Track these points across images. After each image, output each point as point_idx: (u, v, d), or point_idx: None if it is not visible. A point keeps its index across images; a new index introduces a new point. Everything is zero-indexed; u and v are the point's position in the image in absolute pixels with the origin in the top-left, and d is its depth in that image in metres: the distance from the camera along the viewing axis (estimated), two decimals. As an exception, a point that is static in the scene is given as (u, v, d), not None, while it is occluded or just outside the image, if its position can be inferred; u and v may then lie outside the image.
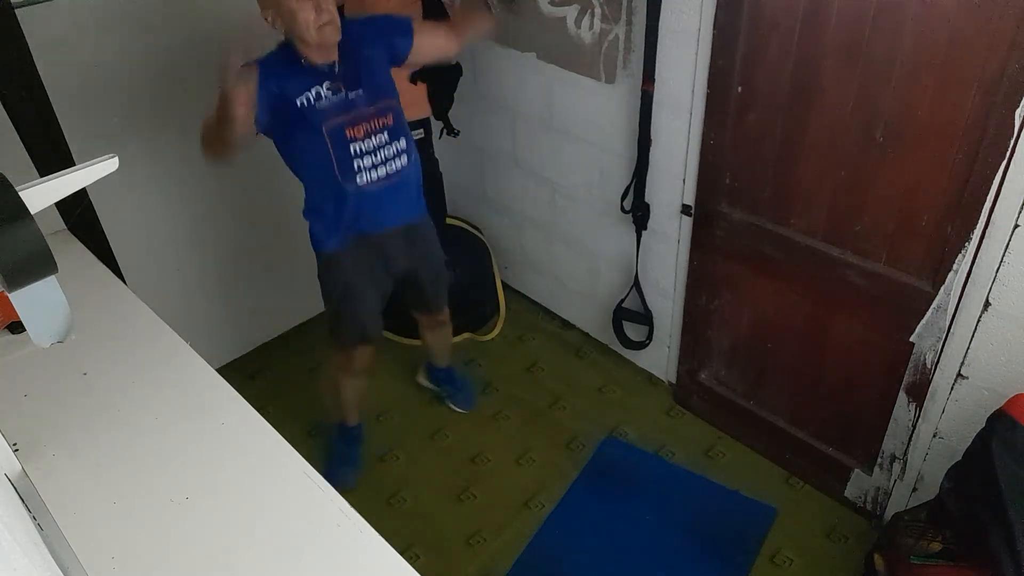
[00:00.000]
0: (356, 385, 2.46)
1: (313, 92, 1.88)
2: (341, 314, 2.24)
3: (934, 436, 2.06)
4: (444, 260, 2.36)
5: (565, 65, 2.50)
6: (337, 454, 2.55)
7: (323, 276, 2.18)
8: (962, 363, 1.91)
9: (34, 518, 1.03)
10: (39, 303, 0.78)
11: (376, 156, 1.98)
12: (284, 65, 1.87)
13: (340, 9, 1.88)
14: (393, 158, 2.02)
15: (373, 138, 1.97)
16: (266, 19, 1.82)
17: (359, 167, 1.96)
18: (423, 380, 2.83)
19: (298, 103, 1.87)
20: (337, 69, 1.90)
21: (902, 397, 2.08)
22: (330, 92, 1.89)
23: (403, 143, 2.04)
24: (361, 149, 1.95)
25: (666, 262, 2.54)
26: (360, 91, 1.93)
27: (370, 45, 1.98)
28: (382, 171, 2.00)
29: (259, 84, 1.80)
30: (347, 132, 1.92)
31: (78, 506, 1.23)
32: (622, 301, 2.73)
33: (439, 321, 2.53)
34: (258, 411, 1.42)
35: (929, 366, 1.98)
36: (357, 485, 2.50)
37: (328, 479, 2.48)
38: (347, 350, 2.32)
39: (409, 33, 2.02)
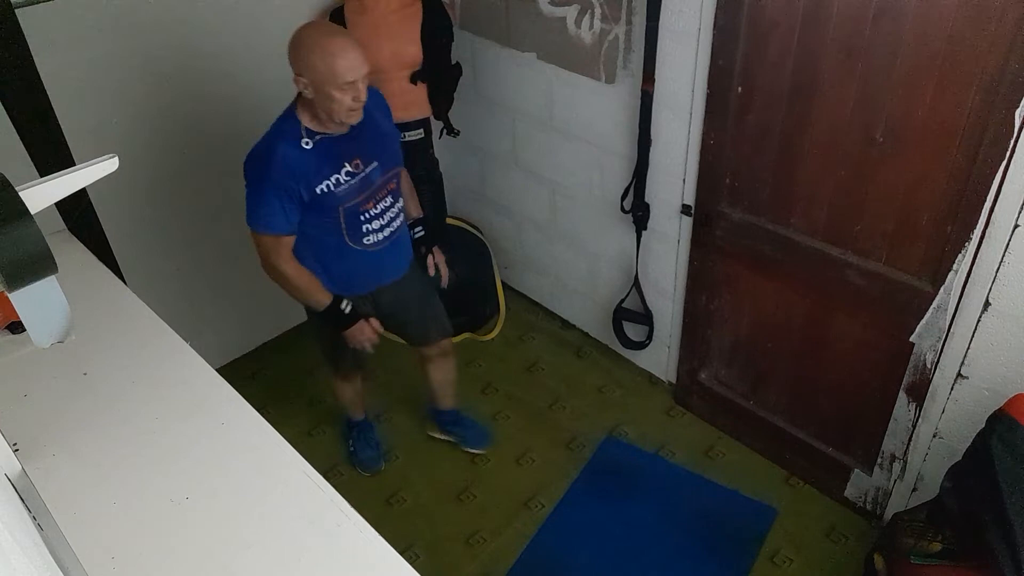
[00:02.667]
0: (352, 388, 2.54)
1: (333, 180, 1.87)
2: (334, 350, 2.30)
3: (934, 436, 2.06)
4: (437, 288, 2.34)
5: (565, 65, 2.50)
6: (356, 443, 2.63)
7: (312, 316, 2.17)
8: (962, 363, 1.91)
9: (34, 518, 1.03)
10: (39, 303, 0.78)
11: (383, 219, 2.02)
12: (300, 155, 1.83)
13: None
14: (395, 217, 2.06)
15: (381, 204, 2.00)
16: (297, 85, 1.79)
17: (367, 230, 1.99)
18: (433, 432, 2.71)
19: (318, 191, 1.86)
20: (352, 139, 1.89)
21: (902, 397, 2.08)
22: (349, 177, 1.89)
23: (399, 199, 2.08)
24: (371, 216, 1.98)
25: (666, 262, 2.54)
26: (375, 164, 1.94)
27: (382, 114, 2.01)
28: (387, 231, 2.04)
29: (284, 195, 1.82)
30: (361, 208, 1.95)
31: (78, 506, 1.23)
32: (622, 301, 2.73)
33: (442, 350, 2.44)
34: (258, 411, 1.42)
35: (929, 366, 1.98)
36: (380, 469, 2.61)
37: (357, 467, 2.52)
38: (339, 372, 2.45)
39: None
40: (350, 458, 2.63)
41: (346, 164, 1.88)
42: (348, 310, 2.03)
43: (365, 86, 1.78)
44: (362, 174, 1.91)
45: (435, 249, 2.30)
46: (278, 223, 1.85)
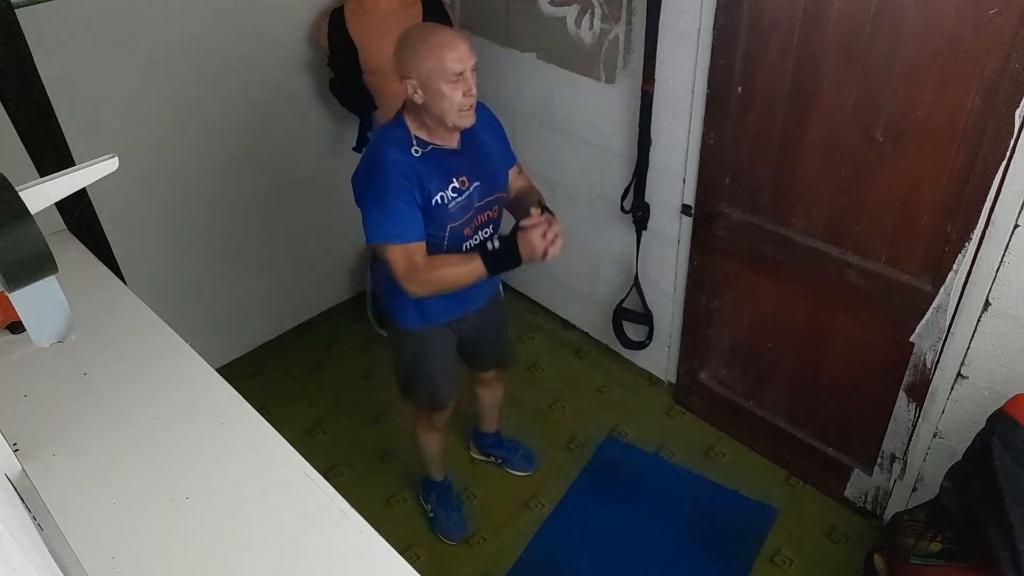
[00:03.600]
0: (438, 440, 2.36)
1: (449, 192, 1.77)
2: (417, 382, 2.15)
3: (934, 436, 2.06)
4: (505, 311, 2.25)
5: (565, 65, 2.50)
6: (438, 507, 2.44)
7: (401, 347, 2.08)
8: (962, 363, 1.91)
9: (34, 518, 1.03)
10: (39, 303, 0.77)
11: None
12: (412, 160, 1.73)
13: None
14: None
15: (481, 232, 1.89)
16: (407, 88, 1.69)
17: None
18: (475, 454, 2.66)
19: (434, 201, 1.75)
20: (459, 155, 1.80)
21: (902, 397, 2.08)
22: (455, 194, 1.78)
23: (499, 228, 1.96)
24: (471, 245, 1.88)
25: (666, 262, 2.54)
26: (479, 183, 1.82)
27: (490, 134, 1.90)
28: None
29: (406, 198, 1.70)
30: (464, 231, 1.84)
31: (78, 506, 1.23)
32: (622, 301, 2.73)
33: (500, 376, 2.41)
34: (258, 411, 1.42)
35: (929, 366, 1.98)
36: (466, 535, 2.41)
37: (439, 534, 2.36)
38: (424, 412, 2.25)
39: (512, 154, 1.99)
40: (430, 524, 2.43)
41: (453, 180, 1.77)
42: (498, 246, 1.83)
43: (475, 80, 1.69)
44: (467, 192, 1.80)
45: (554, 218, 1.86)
46: (410, 228, 1.73)
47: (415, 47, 1.66)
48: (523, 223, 1.79)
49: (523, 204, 1.93)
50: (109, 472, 1.30)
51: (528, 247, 1.77)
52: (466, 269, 1.79)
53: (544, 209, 1.86)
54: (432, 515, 2.44)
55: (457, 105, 1.68)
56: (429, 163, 1.75)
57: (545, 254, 1.77)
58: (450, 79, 1.65)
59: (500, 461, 2.61)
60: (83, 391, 1.47)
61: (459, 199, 1.79)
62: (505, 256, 1.81)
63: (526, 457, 2.60)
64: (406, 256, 1.74)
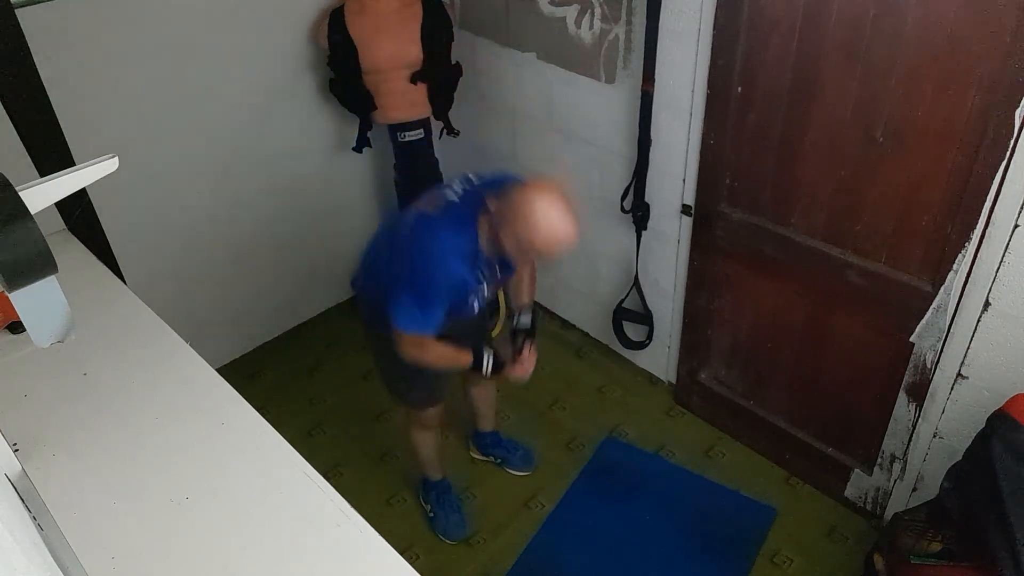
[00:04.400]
0: (431, 439, 2.36)
1: (479, 290, 1.82)
2: (411, 384, 2.17)
3: (934, 436, 2.06)
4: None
5: (565, 65, 2.50)
6: (438, 508, 2.43)
7: (384, 350, 2.00)
8: (962, 363, 1.91)
9: (34, 518, 1.03)
10: (39, 303, 0.77)
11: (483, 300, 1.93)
12: (468, 272, 1.74)
13: None
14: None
15: (475, 298, 1.90)
16: (497, 221, 1.64)
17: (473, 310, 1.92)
18: (475, 454, 2.66)
19: (468, 298, 1.80)
20: (503, 263, 1.84)
21: (902, 397, 2.08)
22: (482, 288, 1.84)
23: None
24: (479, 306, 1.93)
25: (666, 262, 2.54)
26: (500, 276, 1.89)
27: None
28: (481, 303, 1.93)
29: (446, 304, 1.73)
30: (475, 306, 1.89)
31: (78, 506, 1.23)
32: (622, 301, 2.73)
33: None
34: (258, 411, 1.42)
35: (929, 366, 1.98)
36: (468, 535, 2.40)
37: (439, 534, 2.36)
38: (417, 411, 2.26)
39: None
40: (430, 524, 2.42)
41: (488, 280, 1.83)
42: (490, 358, 1.95)
43: None
44: (491, 283, 1.87)
45: (532, 343, 2.11)
46: (436, 325, 1.76)
47: (533, 228, 1.58)
48: (519, 357, 2.06)
49: (520, 299, 2.15)
50: (109, 472, 1.30)
51: (517, 372, 2.02)
52: (455, 359, 1.92)
53: (532, 331, 2.12)
54: (432, 515, 2.43)
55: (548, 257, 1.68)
56: (480, 269, 1.77)
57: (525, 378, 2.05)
58: (549, 251, 1.63)
59: (500, 461, 2.61)
60: (83, 391, 1.47)
61: (484, 291, 1.85)
62: (493, 368, 1.97)
63: (525, 458, 2.61)
64: (416, 342, 1.81)
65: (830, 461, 2.38)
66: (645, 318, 2.69)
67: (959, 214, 1.75)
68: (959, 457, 1.80)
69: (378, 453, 2.67)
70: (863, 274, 2.01)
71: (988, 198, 1.68)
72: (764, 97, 2.01)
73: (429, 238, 1.73)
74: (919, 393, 2.04)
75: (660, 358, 2.80)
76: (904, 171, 1.83)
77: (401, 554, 1.17)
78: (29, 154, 1.77)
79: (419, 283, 1.73)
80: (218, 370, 1.52)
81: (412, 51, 2.56)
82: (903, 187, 1.85)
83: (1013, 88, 1.56)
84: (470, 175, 1.83)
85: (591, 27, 2.35)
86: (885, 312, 2.02)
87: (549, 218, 1.56)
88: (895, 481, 2.23)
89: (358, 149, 2.81)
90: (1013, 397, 1.68)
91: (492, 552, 2.34)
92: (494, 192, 1.68)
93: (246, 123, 2.70)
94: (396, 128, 2.73)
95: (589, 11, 2.32)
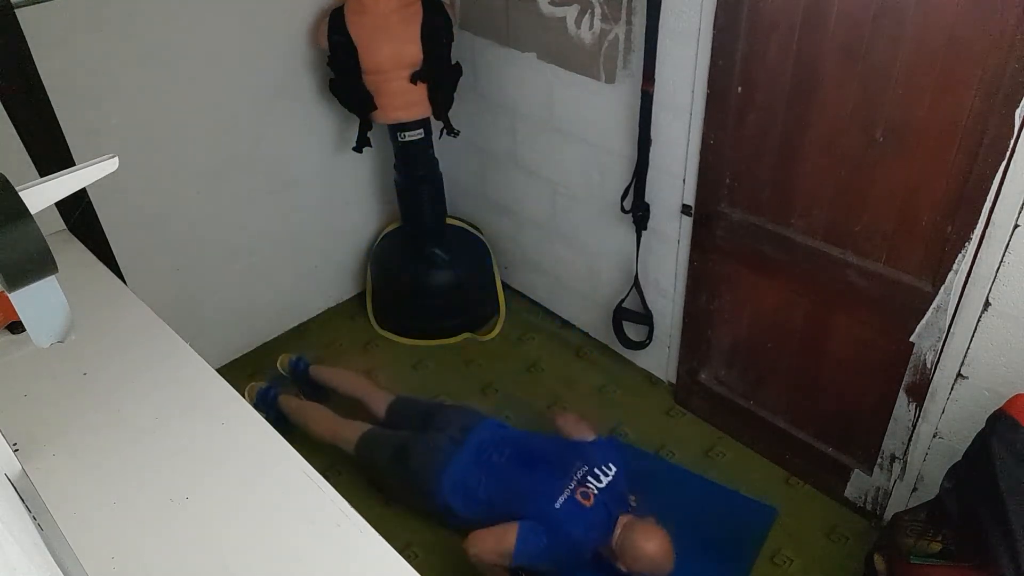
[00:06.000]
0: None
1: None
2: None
3: (934, 436, 2.06)
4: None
5: (565, 65, 2.50)
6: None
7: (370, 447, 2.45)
8: (962, 363, 1.91)
9: (34, 518, 1.03)
10: (39, 303, 0.77)
11: None
12: (597, 543, 2.14)
13: None
14: None
15: None
16: (621, 554, 2.07)
17: None
18: None
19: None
20: None
21: (902, 397, 2.08)
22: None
23: None
24: None
25: (666, 262, 2.54)
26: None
27: None
28: None
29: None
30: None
31: (78, 506, 1.23)
32: (622, 301, 2.73)
33: None
34: (258, 411, 1.42)
35: (929, 366, 1.98)
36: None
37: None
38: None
39: None
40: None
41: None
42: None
43: None
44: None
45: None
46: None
47: (646, 558, 2.04)
48: None
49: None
50: (109, 472, 1.30)
51: None
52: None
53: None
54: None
55: None
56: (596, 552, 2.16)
57: None
58: None
59: None
60: (83, 391, 1.47)
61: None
62: None
63: None
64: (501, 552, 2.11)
65: (830, 461, 2.38)
66: (645, 318, 2.69)
67: (959, 214, 1.75)
68: (959, 457, 1.80)
69: (378, 453, 2.66)
70: (863, 274, 2.01)
71: (988, 198, 1.68)
72: (764, 97, 2.02)
73: (584, 530, 2.11)
74: (919, 393, 2.04)
75: (660, 358, 2.80)
76: (904, 171, 1.83)
77: (401, 553, 1.17)
78: (29, 154, 1.77)
79: (563, 545, 2.08)
80: (218, 370, 1.52)
81: (412, 51, 2.56)
82: (903, 187, 1.85)
83: (1013, 88, 1.56)
84: (611, 464, 2.25)
85: (591, 27, 2.35)
86: (885, 312, 2.02)
87: (657, 561, 2.05)
88: (895, 481, 2.23)
89: (358, 149, 2.81)
90: (1013, 397, 1.68)
91: (492, 552, 2.33)
92: (624, 509, 2.17)
93: (246, 123, 2.70)
94: (396, 128, 2.73)
95: (589, 11, 2.32)
